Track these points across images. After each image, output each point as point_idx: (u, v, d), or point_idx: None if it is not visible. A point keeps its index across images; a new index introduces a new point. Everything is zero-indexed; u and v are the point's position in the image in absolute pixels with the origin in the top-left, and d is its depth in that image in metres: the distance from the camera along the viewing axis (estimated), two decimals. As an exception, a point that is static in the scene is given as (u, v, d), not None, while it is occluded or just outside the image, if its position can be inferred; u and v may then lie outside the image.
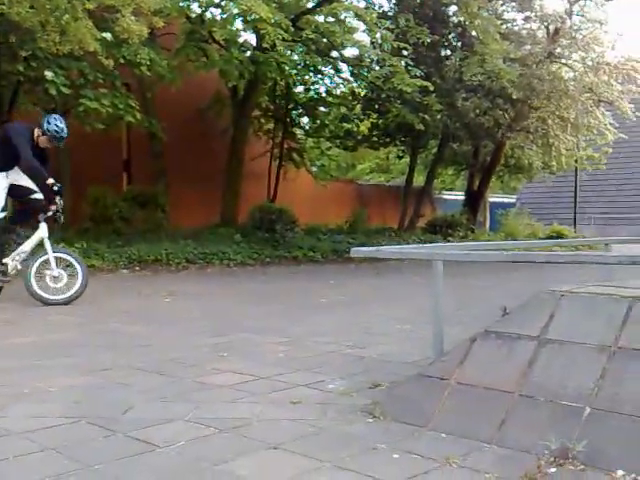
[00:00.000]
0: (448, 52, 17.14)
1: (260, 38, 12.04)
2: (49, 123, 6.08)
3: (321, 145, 19.29)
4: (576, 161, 19.89)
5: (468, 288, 7.79)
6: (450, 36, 17.26)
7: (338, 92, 17.28)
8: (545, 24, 17.63)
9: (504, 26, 16.78)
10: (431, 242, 14.20)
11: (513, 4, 17.47)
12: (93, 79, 10.09)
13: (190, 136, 14.67)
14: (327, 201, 18.71)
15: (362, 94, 17.36)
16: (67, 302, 6.01)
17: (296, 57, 13.69)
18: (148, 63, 10.07)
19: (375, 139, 19.40)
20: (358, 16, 12.73)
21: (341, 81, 16.57)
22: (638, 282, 2.83)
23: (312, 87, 17.12)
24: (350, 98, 17.38)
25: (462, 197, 21.76)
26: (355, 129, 18.99)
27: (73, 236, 10.47)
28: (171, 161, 13.42)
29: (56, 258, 6.17)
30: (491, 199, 24.77)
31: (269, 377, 3.31)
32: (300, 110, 17.90)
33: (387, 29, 13.49)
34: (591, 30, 17.46)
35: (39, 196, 6.22)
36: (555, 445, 2.11)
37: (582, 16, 17.48)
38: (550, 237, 19.31)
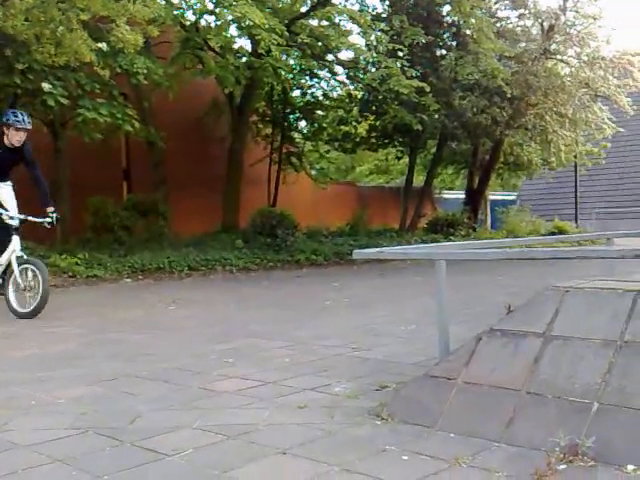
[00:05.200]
0: (443, 52, 17.15)
1: (255, 44, 12.07)
2: (5, 115, 6.23)
3: (320, 148, 19.31)
4: (575, 156, 19.88)
5: (472, 286, 7.78)
6: (445, 36, 17.28)
7: (335, 95, 17.32)
8: (539, 21, 17.65)
9: (498, 24, 16.82)
10: (433, 242, 14.20)
11: (507, 2, 17.50)
12: (90, 89, 10.13)
13: (189, 144, 14.69)
14: (327, 204, 18.72)
15: (359, 96, 17.39)
16: (30, 316, 5.95)
17: (292, 61, 13.72)
18: (145, 72, 10.09)
19: (373, 141, 19.41)
20: (352, 19, 12.76)
21: (337, 84, 16.61)
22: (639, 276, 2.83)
23: (309, 91, 17.16)
24: (347, 101, 17.41)
25: (462, 196, 21.76)
26: (353, 131, 19.01)
27: (75, 247, 10.49)
28: (170, 169, 13.44)
29: (21, 271, 6.11)
30: (491, 197, 24.77)
31: (275, 382, 3.31)
32: (298, 114, 17.92)
33: (381, 31, 13.52)
34: (585, 25, 17.47)
35: (12, 213, 6.27)
36: (564, 442, 2.10)
37: (576, 12, 17.50)
38: (552, 233, 19.27)
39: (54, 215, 6.33)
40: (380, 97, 15.15)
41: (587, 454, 2.07)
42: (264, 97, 16.19)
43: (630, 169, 29.40)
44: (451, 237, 16.23)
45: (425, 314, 4.85)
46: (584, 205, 26.89)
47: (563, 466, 2.04)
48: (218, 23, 11.67)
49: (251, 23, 10.36)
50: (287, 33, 11.60)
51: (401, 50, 13.70)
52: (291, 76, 14.67)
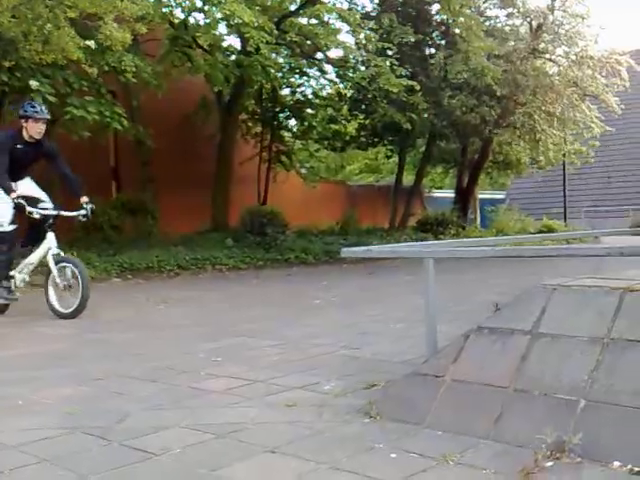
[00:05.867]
0: (432, 51, 17.20)
1: (244, 42, 12.04)
2: (22, 107, 6.00)
3: (309, 147, 19.30)
4: (564, 155, 19.99)
5: (460, 284, 7.80)
6: (434, 35, 17.33)
7: (324, 94, 17.31)
8: (528, 20, 17.73)
9: (487, 23, 16.87)
10: (422, 241, 14.24)
11: (495, 1, 17.56)
12: (78, 87, 10.06)
13: (178, 142, 14.63)
14: (317, 203, 18.71)
15: (348, 95, 17.39)
16: (72, 316, 5.74)
17: (281, 60, 13.71)
18: (133, 70, 10.04)
19: (363, 139, 19.44)
20: (341, 17, 12.76)
21: (327, 82, 16.61)
22: (628, 273, 2.84)
23: (298, 89, 17.14)
24: (337, 99, 17.41)
25: (452, 195, 21.83)
26: (343, 130, 19.02)
27: (64, 246, 10.39)
28: (159, 167, 13.38)
29: (60, 269, 5.85)
30: (481, 196, 24.86)
31: (264, 381, 3.30)
32: (287, 112, 17.90)
33: (371, 29, 13.53)
34: (573, 25, 17.57)
35: (48, 205, 6.05)
36: (551, 439, 2.11)
37: (564, 11, 17.59)
38: (541, 232, 19.36)
39: (89, 206, 6.06)
40: (370, 96, 15.17)
41: (574, 451, 2.08)
42: (253, 95, 16.17)
43: (618, 168, 29.61)
44: (440, 236, 16.27)
45: (414, 312, 4.86)
46: (573, 204, 27.06)
47: (550, 463, 2.05)
48: (207, 21, 11.64)
49: (240, 21, 10.35)
50: (276, 31, 11.60)
51: (390, 49, 13.73)
52: (280, 74, 14.66)
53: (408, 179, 21.74)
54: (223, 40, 12.91)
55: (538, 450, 2.10)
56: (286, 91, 17.17)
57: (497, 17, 18.11)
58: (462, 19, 13.59)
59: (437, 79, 15.79)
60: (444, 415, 2.44)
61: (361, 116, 18.27)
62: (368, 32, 13.32)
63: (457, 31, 14.87)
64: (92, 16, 8.94)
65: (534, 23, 17.59)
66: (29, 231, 6.18)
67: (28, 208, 5.76)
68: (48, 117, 6.03)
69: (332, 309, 6.28)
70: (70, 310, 5.76)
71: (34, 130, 5.88)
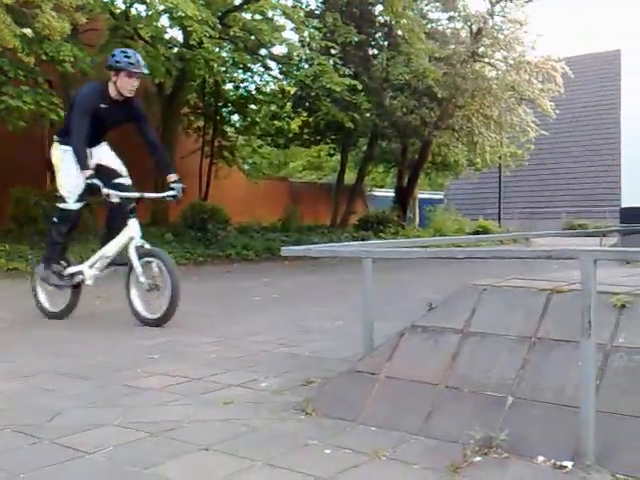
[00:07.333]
0: (375, 51, 17.39)
1: (187, 35, 11.90)
2: (114, 56, 4.83)
3: (252, 143, 19.25)
4: (500, 158, 20.52)
5: (398, 283, 7.93)
6: (377, 35, 17.52)
7: (268, 90, 17.29)
8: (468, 24, 18.12)
9: (429, 26, 17.18)
10: (363, 239, 14.38)
11: (437, 4, 17.88)
12: (14, 76, 9.76)
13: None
14: (260, 199, 18.67)
15: (292, 92, 17.42)
16: (160, 323, 4.80)
17: (224, 54, 13.60)
18: (71, 60, 9.81)
19: (306, 137, 19.51)
20: (285, 14, 12.76)
21: (271, 79, 16.60)
22: (556, 275, 2.96)
23: (242, 85, 17.07)
24: (280, 96, 17.42)
25: (392, 194, 22.13)
26: (286, 127, 19.04)
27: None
28: (98, 160, 13.07)
29: (144, 265, 4.85)
30: (420, 195, 25.31)
31: (201, 378, 3.29)
32: (230, 108, 17.80)
33: (315, 28, 13.57)
34: (512, 30, 18.06)
35: (126, 181, 5.09)
36: (479, 435, 2.18)
37: (503, 16, 18.06)
38: (476, 232, 19.89)
39: (179, 185, 5.08)
40: (313, 94, 15.24)
41: (501, 446, 2.15)
42: (196, 89, 16.01)
43: (551, 171, 30.56)
44: (381, 234, 16.49)
45: (354, 310, 4.91)
46: (508, 205, 27.80)
47: (478, 458, 2.12)
48: (149, 13, 11.46)
49: (183, 14, 10.23)
50: (220, 26, 11.51)
51: (334, 48, 13.81)
52: (224, 69, 14.55)
53: (350, 177, 21.94)
54: (165, 33, 12.74)
55: (467, 446, 2.17)
56: (229, 86, 17.08)
57: (439, 20, 18.46)
58: (405, 21, 13.78)
59: (379, 79, 15.98)
60: (378, 412, 2.49)
61: (304, 114, 18.34)
62: (312, 30, 13.37)
63: (400, 33, 15.08)
64: (29, 3, 8.69)
65: (474, 27, 18.00)
66: (109, 219, 5.23)
67: (104, 190, 4.75)
68: (146, 72, 5.01)
69: (272, 306, 6.29)
70: (158, 315, 4.81)
71: (126, 86, 4.83)
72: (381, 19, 16.96)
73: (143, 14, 11.84)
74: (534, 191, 30.40)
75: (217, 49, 12.66)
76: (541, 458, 2.09)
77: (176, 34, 13.60)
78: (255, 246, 12.91)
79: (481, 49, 18.16)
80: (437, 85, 15.31)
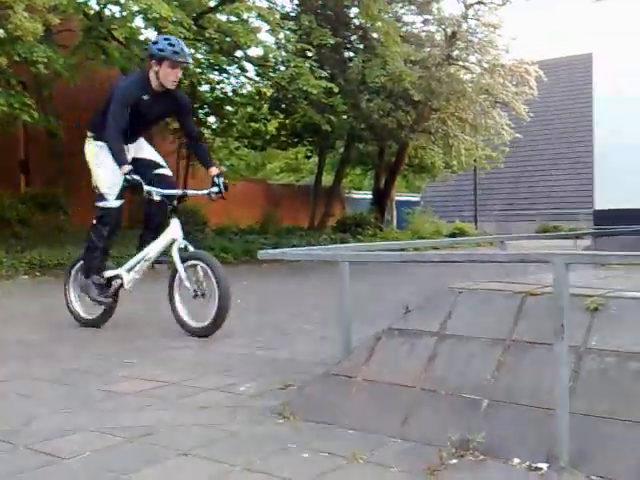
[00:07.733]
0: (351, 54, 17.45)
1: (162, 36, 11.82)
2: (156, 44, 4.53)
3: (229, 145, 19.18)
4: (475, 160, 20.71)
5: (376, 286, 7.96)
6: (352, 38, 17.58)
7: (244, 92, 17.24)
8: (443, 27, 18.26)
9: (404, 29, 17.29)
10: (342, 241, 14.40)
11: (412, 7, 17.98)
12: (-14, 77, 9.65)
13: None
14: (238, 201, 18.58)
15: (269, 94, 17.40)
16: (208, 332, 4.47)
17: (200, 56, 13.54)
18: (45, 61, 9.70)
19: (283, 139, 19.52)
20: (261, 16, 12.74)
21: (247, 81, 16.54)
22: (532, 277, 3.00)
23: (218, 86, 16.99)
24: (257, 98, 17.38)
25: (370, 196, 22.21)
26: (263, 129, 19.01)
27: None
28: (73, 161, 12.90)
29: (187, 269, 4.57)
30: (398, 198, 25.43)
31: (178, 382, 3.28)
32: (206, 109, 17.71)
33: (290, 30, 13.58)
34: (486, 34, 18.23)
35: (167, 172, 4.81)
36: (456, 437, 2.20)
37: (477, 20, 18.23)
38: (453, 234, 20.06)
39: (221, 180, 4.76)
40: (289, 96, 15.23)
41: (477, 449, 2.17)
42: (171, 91, 15.89)
43: (526, 173, 30.87)
44: (359, 236, 16.53)
45: (331, 313, 4.93)
46: (484, 207, 28.03)
47: (455, 461, 2.14)
48: (123, 14, 11.38)
49: (157, 15, 10.16)
50: (195, 27, 11.47)
51: (310, 50, 13.82)
52: (199, 70, 14.48)
53: (328, 179, 21.98)
54: (140, 33, 12.65)
55: (443, 448, 2.19)
56: (205, 87, 16.99)
57: (414, 23, 18.58)
58: (380, 24, 13.83)
59: (355, 82, 16.04)
60: (355, 415, 2.50)
61: (281, 116, 18.33)
62: (287, 32, 13.38)
63: (375, 35, 15.15)
64: (1, 4, 8.58)
65: (449, 30, 18.14)
66: (147, 216, 4.89)
67: (146, 187, 4.42)
68: (190, 62, 4.76)
69: (250, 309, 6.27)
70: (205, 324, 4.48)
71: (169, 77, 4.49)
72: (356, 22, 17.02)
73: (117, 15, 11.74)
74: (510, 193, 30.71)
75: (192, 50, 12.61)
76: (517, 460, 2.11)
77: (151, 35, 13.51)
78: (234, 249, 12.85)
79: (456, 52, 18.31)
80: (413, 88, 15.41)
